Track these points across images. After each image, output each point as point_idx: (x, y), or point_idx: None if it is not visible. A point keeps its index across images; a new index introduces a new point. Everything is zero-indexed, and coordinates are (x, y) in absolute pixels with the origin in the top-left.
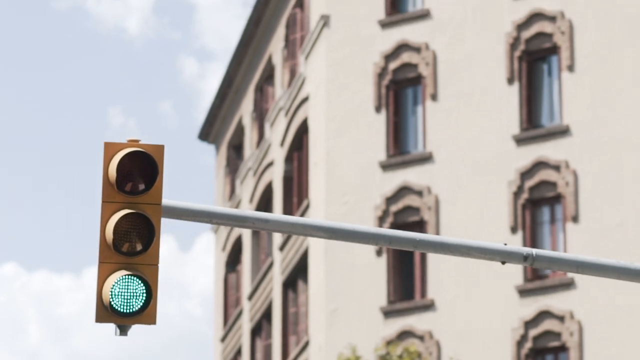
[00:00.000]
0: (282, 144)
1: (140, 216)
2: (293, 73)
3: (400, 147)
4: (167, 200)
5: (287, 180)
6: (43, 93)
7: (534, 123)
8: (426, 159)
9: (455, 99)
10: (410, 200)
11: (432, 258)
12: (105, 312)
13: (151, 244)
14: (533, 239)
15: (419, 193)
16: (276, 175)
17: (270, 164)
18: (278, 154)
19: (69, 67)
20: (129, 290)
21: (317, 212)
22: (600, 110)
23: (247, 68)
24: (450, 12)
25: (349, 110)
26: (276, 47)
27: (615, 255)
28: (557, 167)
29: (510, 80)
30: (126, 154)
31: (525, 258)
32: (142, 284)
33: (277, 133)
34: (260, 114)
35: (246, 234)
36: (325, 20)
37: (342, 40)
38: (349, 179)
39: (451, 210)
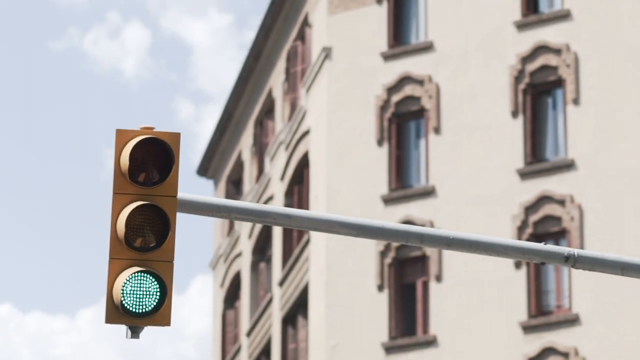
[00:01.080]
0: (282, 178)
1: (155, 208)
2: (294, 106)
3: (403, 181)
4: (182, 193)
5: None
6: (38, 134)
7: (538, 157)
8: (429, 193)
9: (458, 132)
10: None
11: (435, 293)
12: (116, 312)
13: (166, 238)
14: (537, 274)
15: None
16: None
17: (270, 198)
18: (278, 189)
19: (64, 108)
20: (141, 289)
21: (318, 247)
22: (605, 144)
23: (246, 102)
24: (453, 44)
25: (351, 144)
26: (276, 81)
27: (618, 290)
28: (561, 202)
29: (514, 114)
30: (139, 141)
31: (566, 259)
32: (155, 282)
33: (277, 167)
34: (260, 149)
35: (245, 270)
36: (326, 53)
37: (343, 72)
38: (350, 213)
39: None
